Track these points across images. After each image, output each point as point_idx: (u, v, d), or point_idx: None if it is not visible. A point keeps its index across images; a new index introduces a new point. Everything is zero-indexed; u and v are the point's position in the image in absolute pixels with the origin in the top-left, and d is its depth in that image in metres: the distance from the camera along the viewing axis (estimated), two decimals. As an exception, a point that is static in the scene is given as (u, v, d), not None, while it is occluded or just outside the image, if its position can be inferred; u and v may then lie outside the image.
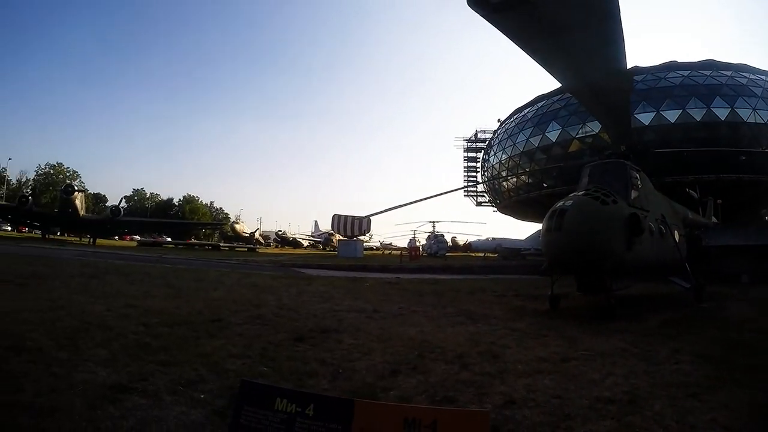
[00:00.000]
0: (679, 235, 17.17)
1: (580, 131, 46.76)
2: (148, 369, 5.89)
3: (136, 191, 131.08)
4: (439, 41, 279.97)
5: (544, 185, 51.85)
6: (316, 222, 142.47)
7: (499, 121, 67.84)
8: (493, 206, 76.42)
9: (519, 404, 5.04)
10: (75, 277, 14.93)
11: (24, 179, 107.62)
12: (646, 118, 42.51)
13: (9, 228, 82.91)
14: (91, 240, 60.59)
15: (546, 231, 12.59)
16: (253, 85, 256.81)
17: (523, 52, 10.10)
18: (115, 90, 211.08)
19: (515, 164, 55.86)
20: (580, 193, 13.06)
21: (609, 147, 18.37)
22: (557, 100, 51.23)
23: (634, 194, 13.76)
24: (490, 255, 65.21)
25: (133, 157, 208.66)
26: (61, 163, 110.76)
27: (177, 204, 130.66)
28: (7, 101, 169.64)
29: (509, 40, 9.55)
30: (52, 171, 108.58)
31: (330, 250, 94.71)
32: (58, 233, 70.81)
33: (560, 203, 12.56)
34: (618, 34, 9.56)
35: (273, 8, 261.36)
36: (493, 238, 76.84)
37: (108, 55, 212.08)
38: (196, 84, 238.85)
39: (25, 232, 77.71)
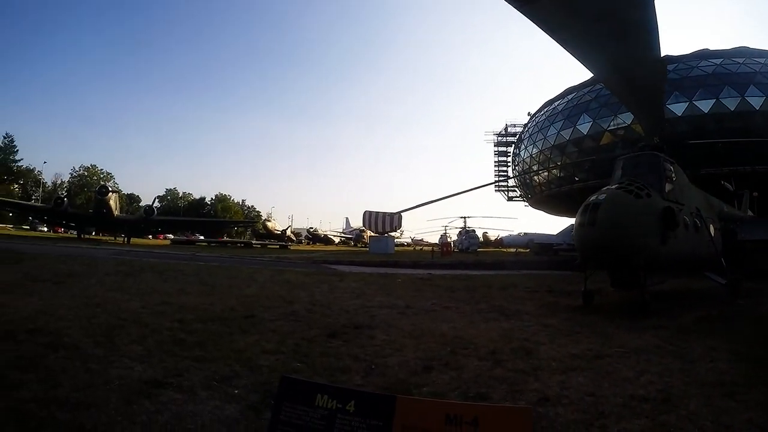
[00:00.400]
0: (715, 228, 16.79)
1: (612, 123, 45.68)
2: (183, 365, 5.99)
3: (168, 191, 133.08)
4: (469, 35, 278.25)
5: (576, 179, 50.94)
6: (347, 219, 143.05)
7: (529, 114, 67.08)
8: (524, 201, 75.73)
9: (553, 402, 5.01)
10: (110, 275, 15.15)
11: (59, 181, 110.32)
12: (678, 108, 41.30)
13: (45, 228, 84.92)
14: (126, 239, 61.49)
15: (579, 225, 12.44)
16: (281, 84, 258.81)
17: (555, 43, 10.00)
18: (146, 92, 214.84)
19: (546, 158, 55.05)
20: (614, 186, 12.86)
21: (642, 139, 17.95)
22: (588, 92, 50.29)
23: (668, 187, 13.53)
24: (522, 250, 64.78)
25: (165, 157, 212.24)
26: (95, 165, 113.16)
27: (209, 203, 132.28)
28: (41, 105, 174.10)
29: (541, 30, 9.46)
30: (86, 173, 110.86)
31: (361, 247, 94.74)
32: (93, 233, 71.98)
33: (593, 197, 12.40)
34: (652, 20, 9.40)
35: (299, 7, 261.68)
36: (524, 233, 76.31)
37: (136, 56, 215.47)
38: (225, 84, 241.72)
39: (60, 232, 79.39)
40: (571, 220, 60.83)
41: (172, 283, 14.14)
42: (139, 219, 65.80)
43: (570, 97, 54.14)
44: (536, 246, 62.91)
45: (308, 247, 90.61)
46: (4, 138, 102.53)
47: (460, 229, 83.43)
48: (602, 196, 12.20)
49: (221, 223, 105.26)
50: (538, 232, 74.63)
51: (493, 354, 7.03)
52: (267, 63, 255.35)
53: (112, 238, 65.75)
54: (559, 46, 10.43)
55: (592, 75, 39.13)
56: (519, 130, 72.47)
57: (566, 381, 5.73)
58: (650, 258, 11.75)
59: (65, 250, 27.91)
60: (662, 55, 12.62)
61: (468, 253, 64.05)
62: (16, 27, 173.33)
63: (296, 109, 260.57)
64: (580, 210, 12.43)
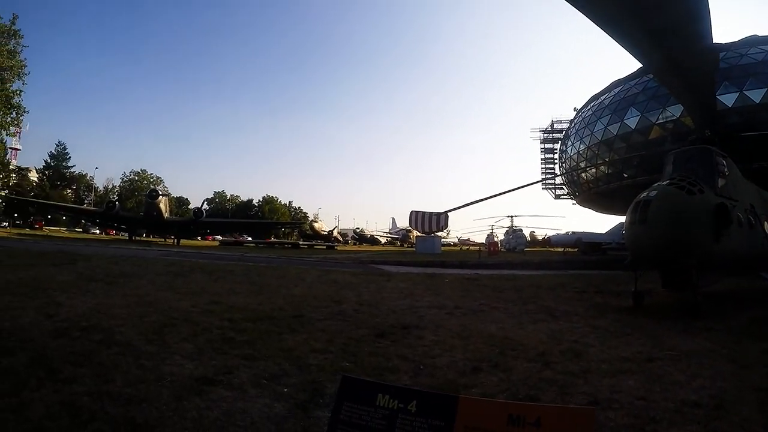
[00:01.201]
0: (770, 225, 16.22)
1: (661, 116, 44.22)
2: (232, 363, 6.12)
3: (217, 193, 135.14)
4: (516, 32, 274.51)
5: (625, 175, 49.52)
6: (393, 219, 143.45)
7: (575, 109, 65.75)
8: (572, 199, 74.52)
9: (603, 405, 4.96)
10: (161, 276, 15.47)
11: (110, 186, 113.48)
12: (729, 99, 39.29)
13: (97, 231, 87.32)
14: (176, 241, 62.75)
15: (629, 224, 12.21)
16: (327, 86, 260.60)
17: (602, 35, 9.85)
18: (193, 99, 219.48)
19: (594, 154, 53.84)
20: (665, 182, 12.54)
21: (692, 132, 17.44)
22: (634, 85, 48.89)
23: (721, 182, 13.17)
24: (570, 250, 63.76)
25: (213, 161, 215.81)
26: (145, 170, 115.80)
27: (257, 204, 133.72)
28: (92, 113, 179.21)
29: (591, 21, 9.37)
30: (136, 177, 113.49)
31: (407, 247, 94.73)
32: (144, 235, 73.53)
33: (644, 194, 12.13)
34: (704, 7, 9.21)
35: (343, 7, 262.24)
36: (572, 232, 75.01)
37: (187, 62, 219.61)
38: (270, 86, 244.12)
39: (112, 234, 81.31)
40: (620, 218, 59.62)
41: (222, 283, 14.40)
42: (189, 221, 67.08)
43: (616, 90, 52.71)
44: (584, 245, 61.76)
45: (355, 248, 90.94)
46: (57, 146, 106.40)
47: (507, 229, 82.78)
48: (653, 193, 11.93)
49: (269, 224, 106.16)
50: (586, 230, 73.29)
51: (542, 355, 7.00)
52: (312, 65, 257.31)
53: (162, 240, 66.99)
54: (609, 37, 10.29)
55: (639, 66, 38.49)
56: (565, 126, 71.36)
57: (616, 384, 5.67)
58: (703, 257, 11.48)
59: (117, 252, 28.56)
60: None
61: (515, 252, 63.42)
62: (71, 40, 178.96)
63: (341, 109, 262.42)
64: (630, 208, 12.20)
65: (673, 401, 5.16)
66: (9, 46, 53.86)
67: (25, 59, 55.59)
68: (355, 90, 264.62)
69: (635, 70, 48.29)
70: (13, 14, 55.08)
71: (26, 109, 57.38)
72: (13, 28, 54.30)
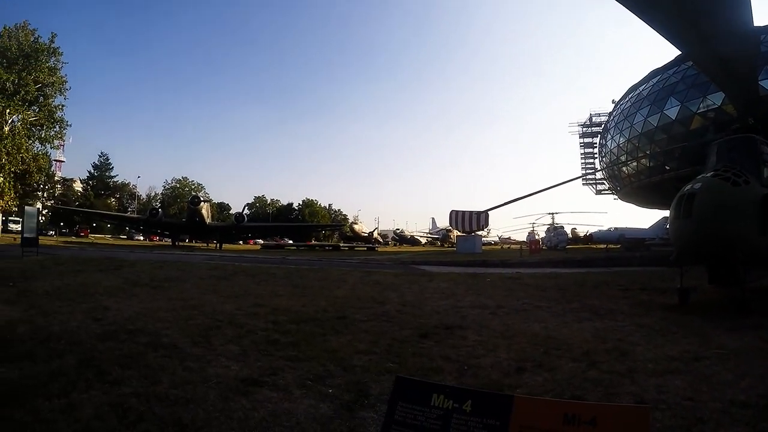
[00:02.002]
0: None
1: (702, 105, 43.42)
2: (277, 364, 6.21)
3: (257, 198, 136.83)
4: (551, 26, 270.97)
5: (667, 168, 48.70)
6: (433, 219, 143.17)
7: (613, 102, 64.92)
8: (613, 194, 73.54)
9: (649, 406, 4.88)
10: (205, 279, 15.79)
11: (153, 194, 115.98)
12: None
13: (141, 237, 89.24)
14: (218, 245, 63.75)
15: (673, 218, 11.93)
16: (361, 87, 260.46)
17: (637, 22, 9.63)
18: (232, 108, 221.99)
19: (634, 147, 53.03)
20: (709, 174, 12.15)
21: (735, 120, 16.90)
22: (673, 74, 48.04)
23: (766, 172, 12.88)
24: (613, 246, 62.85)
25: (253, 166, 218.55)
26: (186, 177, 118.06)
27: (297, 208, 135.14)
28: (135, 123, 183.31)
29: (625, 8, 9.21)
30: (178, 185, 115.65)
31: (448, 247, 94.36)
32: (187, 240, 74.74)
33: (687, 187, 11.81)
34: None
35: (373, 7, 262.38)
36: (615, 228, 73.90)
37: (226, 71, 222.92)
38: (306, 93, 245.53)
39: (156, 240, 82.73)
40: (664, 213, 58.57)
41: (265, 286, 14.62)
42: (230, 226, 68.01)
43: (655, 80, 51.80)
44: (627, 241, 60.74)
45: (395, 249, 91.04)
46: (100, 156, 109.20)
47: (548, 226, 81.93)
48: (697, 186, 11.60)
49: (309, 227, 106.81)
50: (628, 226, 72.19)
51: (587, 355, 6.93)
52: (351, 68, 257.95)
53: (205, 245, 68.19)
54: (644, 24, 10.08)
55: (677, 54, 37.70)
56: (604, 119, 70.44)
57: (663, 384, 5.57)
58: (750, 251, 11.15)
59: (161, 257, 29.09)
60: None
61: (557, 250, 62.63)
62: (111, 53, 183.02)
63: (377, 110, 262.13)
64: (674, 201, 11.91)
65: (721, 401, 5.03)
66: (49, 63, 55.67)
67: (66, 75, 57.36)
68: (389, 90, 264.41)
69: (673, 58, 47.37)
70: (52, 33, 57.36)
71: (69, 123, 59.34)
72: (52, 45, 56.22)
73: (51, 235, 72.56)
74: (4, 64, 52.49)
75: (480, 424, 2.38)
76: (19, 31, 55.15)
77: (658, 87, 50.04)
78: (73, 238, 73.81)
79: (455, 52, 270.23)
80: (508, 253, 51.47)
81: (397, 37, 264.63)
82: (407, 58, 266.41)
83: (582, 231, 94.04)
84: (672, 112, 46.44)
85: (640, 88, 54.80)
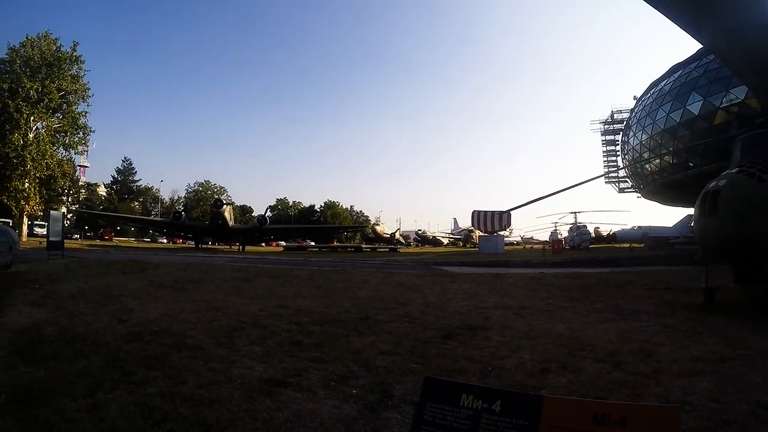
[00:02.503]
0: None
1: (724, 100, 42.25)
2: (301, 365, 6.26)
3: (279, 200, 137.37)
4: (569, 22, 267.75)
5: (691, 164, 47.42)
6: (455, 219, 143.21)
7: (635, 98, 64.08)
8: (636, 192, 72.67)
9: (678, 405, 4.85)
10: (228, 281, 15.91)
11: (176, 197, 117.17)
12: None
13: (164, 240, 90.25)
14: (241, 247, 64.02)
15: (698, 216, 11.75)
16: (381, 87, 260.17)
17: (657, 15, 9.55)
18: (250, 110, 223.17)
19: (657, 144, 52.01)
20: (733, 170, 11.92)
21: (760, 114, 16.60)
22: (695, 68, 46.87)
23: None
24: (636, 245, 62.19)
25: (275, 169, 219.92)
26: (209, 180, 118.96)
27: (318, 210, 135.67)
28: (155, 127, 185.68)
29: (645, 1, 9.12)
30: (200, 188, 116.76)
31: (470, 247, 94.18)
32: (210, 243, 75.37)
33: (712, 183, 11.61)
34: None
35: (387, 6, 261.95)
36: (638, 227, 73.14)
37: (245, 73, 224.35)
38: (323, 92, 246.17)
39: (179, 243, 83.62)
40: (688, 211, 57.84)
41: (288, 287, 14.69)
42: (253, 228, 68.40)
43: (677, 75, 50.61)
44: (651, 240, 60.07)
45: (417, 250, 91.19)
46: (123, 161, 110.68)
47: (570, 225, 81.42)
48: (722, 182, 11.39)
49: (331, 228, 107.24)
50: (652, 225, 71.36)
51: (611, 356, 6.89)
52: (371, 68, 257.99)
53: (228, 247, 68.65)
54: (664, 16, 9.96)
55: (699, 47, 37.15)
56: (626, 116, 69.61)
57: (688, 386, 5.52)
58: None
59: (184, 259, 29.25)
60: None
61: (580, 249, 62.21)
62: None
63: (396, 110, 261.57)
64: (699, 199, 11.72)
65: (748, 403, 4.98)
66: (72, 71, 56.76)
67: (88, 82, 58.46)
68: (407, 89, 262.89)
69: (695, 51, 46.68)
70: (74, 42, 58.51)
71: (92, 129, 60.53)
72: (74, 54, 57.29)
73: (76, 239, 73.53)
74: (28, 73, 53.63)
75: (510, 425, 2.37)
76: (41, 40, 56.23)
77: (680, 82, 49.11)
78: (98, 242, 74.84)
79: (472, 50, 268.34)
80: (530, 253, 51.26)
81: (413, 37, 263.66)
82: (423, 57, 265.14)
83: (605, 230, 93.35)
84: (694, 107, 45.60)
85: (662, 84, 53.88)
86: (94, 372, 5.65)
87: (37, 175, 54.26)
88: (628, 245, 64.35)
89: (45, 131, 55.98)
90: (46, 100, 54.03)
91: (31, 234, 62.73)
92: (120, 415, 4.41)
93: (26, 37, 55.69)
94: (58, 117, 57.60)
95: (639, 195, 71.16)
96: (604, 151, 79.37)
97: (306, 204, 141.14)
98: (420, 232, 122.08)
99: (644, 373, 6.02)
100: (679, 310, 11.10)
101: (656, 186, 57.62)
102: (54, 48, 56.80)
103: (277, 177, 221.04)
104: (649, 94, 57.16)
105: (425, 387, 2.68)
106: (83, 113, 59.38)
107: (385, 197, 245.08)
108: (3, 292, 12.44)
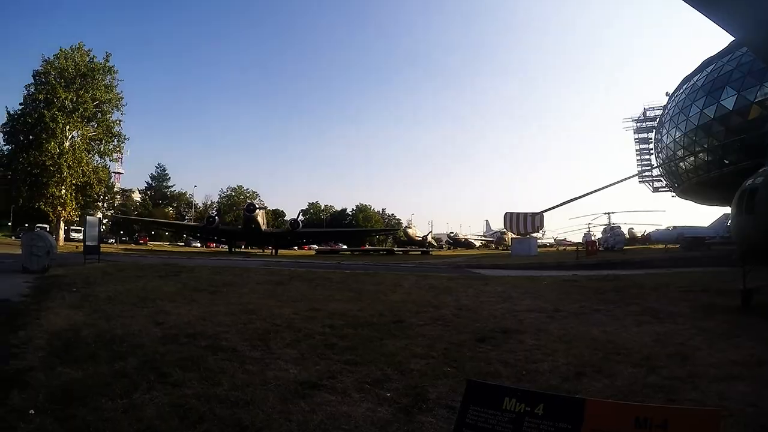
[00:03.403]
0: None
1: (759, 93, 41.76)
2: (335, 368, 6.28)
3: (311, 204, 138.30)
4: (592, 19, 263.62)
5: (726, 162, 46.83)
6: (487, 221, 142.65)
7: (667, 94, 63.22)
8: (670, 191, 71.71)
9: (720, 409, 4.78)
10: (262, 284, 16.04)
11: (209, 202, 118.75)
12: None
13: (198, 244, 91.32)
14: (273, 251, 64.67)
15: (735, 215, 11.55)
16: (409, 89, 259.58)
17: (687, 8, 9.39)
18: (283, 112, 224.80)
19: (691, 141, 51.25)
20: None
21: None
22: (728, 61, 46.25)
23: None
24: (672, 246, 61.22)
25: (306, 174, 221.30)
26: (241, 185, 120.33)
27: (350, 213, 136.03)
28: (188, 133, 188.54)
29: None
30: (233, 193, 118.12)
31: (502, 249, 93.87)
32: (243, 247, 76.10)
33: (749, 181, 11.37)
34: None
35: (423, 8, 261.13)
36: (673, 227, 71.99)
37: (275, 77, 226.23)
38: (352, 95, 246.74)
39: (212, 247, 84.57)
40: (724, 210, 56.85)
41: (321, 291, 14.79)
42: (285, 232, 69.12)
43: (709, 69, 49.93)
44: (686, 241, 59.08)
45: (449, 252, 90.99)
46: (157, 168, 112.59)
47: (604, 227, 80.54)
48: (759, 180, 11.15)
49: (363, 232, 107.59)
50: (687, 225, 70.21)
51: (647, 360, 6.81)
52: (399, 70, 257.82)
53: (261, 251, 69.13)
54: (694, 9, 9.78)
55: (731, 40, 36.45)
56: (658, 113, 68.68)
57: (726, 390, 5.45)
58: None
59: (218, 263, 29.67)
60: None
61: (614, 251, 61.43)
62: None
63: (426, 113, 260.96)
64: (736, 197, 11.50)
65: (787, 408, 4.87)
66: (105, 81, 58.51)
67: (122, 92, 60.14)
68: (436, 93, 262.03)
69: (727, 44, 45.86)
70: (107, 52, 60.46)
71: (126, 137, 62.30)
72: (107, 64, 58.99)
73: (111, 243, 74.87)
74: (63, 84, 55.72)
75: (552, 428, 2.37)
76: (75, 52, 58.03)
77: (712, 76, 48.30)
78: (133, 246, 76.16)
79: (499, 49, 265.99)
80: (564, 255, 50.61)
81: (441, 39, 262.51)
82: (449, 58, 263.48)
83: (639, 231, 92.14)
84: (728, 102, 44.77)
85: (694, 79, 53.05)
86: (130, 373, 5.75)
87: (74, 182, 55.82)
88: (663, 246, 63.33)
89: (80, 139, 57.79)
90: (81, 110, 55.96)
91: (67, 239, 64.23)
92: (156, 416, 4.47)
93: (60, 50, 57.66)
94: (92, 126, 59.55)
95: (674, 194, 70.28)
96: (637, 150, 78.49)
97: (338, 207, 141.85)
98: (452, 234, 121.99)
99: (680, 378, 5.95)
100: (716, 313, 10.87)
101: (691, 185, 56.81)
102: (87, 59, 58.76)
103: (309, 181, 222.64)
104: (681, 90, 56.38)
105: (467, 390, 2.69)
106: (117, 121, 61.36)
107: (417, 200, 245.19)
108: (41, 295, 12.76)
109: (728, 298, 12.71)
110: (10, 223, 77.80)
